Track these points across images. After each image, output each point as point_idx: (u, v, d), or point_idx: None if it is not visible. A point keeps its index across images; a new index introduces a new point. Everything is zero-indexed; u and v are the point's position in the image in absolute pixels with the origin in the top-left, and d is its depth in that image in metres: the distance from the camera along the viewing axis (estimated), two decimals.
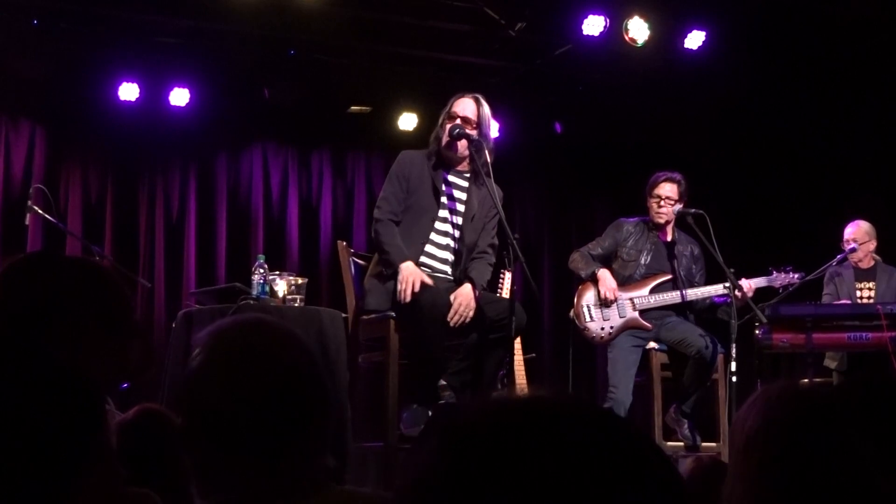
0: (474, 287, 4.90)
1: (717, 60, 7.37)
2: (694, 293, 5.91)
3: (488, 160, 4.91)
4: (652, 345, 5.87)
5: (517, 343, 6.07)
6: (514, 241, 4.76)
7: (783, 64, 7.56)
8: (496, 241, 5.19)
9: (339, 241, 5.68)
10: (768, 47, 7.38)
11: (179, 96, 7.64)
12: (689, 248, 6.06)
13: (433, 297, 4.75)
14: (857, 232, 6.73)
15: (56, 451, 1.18)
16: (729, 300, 5.65)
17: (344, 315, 5.12)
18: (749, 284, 5.81)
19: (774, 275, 5.97)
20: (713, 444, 5.80)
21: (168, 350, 5.03)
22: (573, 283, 6.29)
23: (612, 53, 7.27)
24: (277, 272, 5.17)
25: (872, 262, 6.81)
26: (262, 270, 4.96)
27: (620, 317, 5.88)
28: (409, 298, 4.71)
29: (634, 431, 0.86)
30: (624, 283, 5.95)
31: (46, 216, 6.06)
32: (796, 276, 6.01)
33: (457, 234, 5.07)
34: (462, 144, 5.01)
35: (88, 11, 6.95)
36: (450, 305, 4.78)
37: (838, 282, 6.77)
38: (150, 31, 7.27)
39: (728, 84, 7.65)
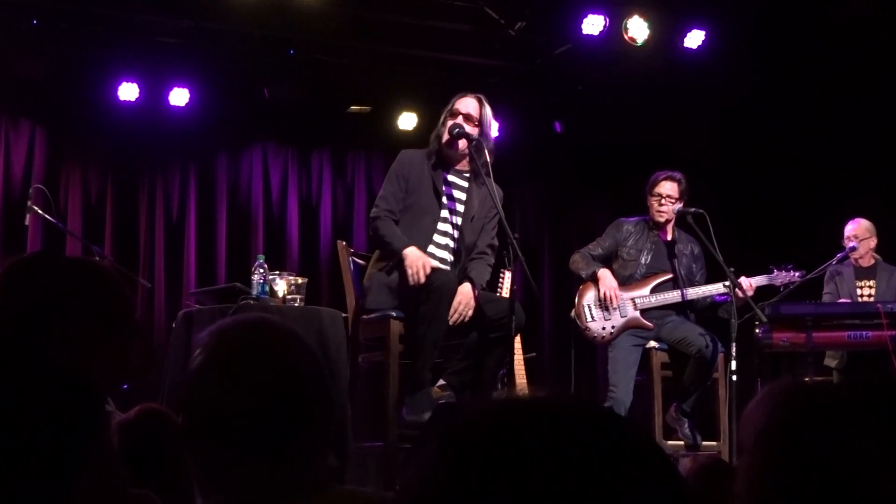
0: (474, 287, 4.90)
1: (716, 60, 7.37)
2: (694, 292, 5.91)
3: (488, 160, 4.90)
4: (652, 344, 5.87)
5: (517, 343, 6.07)
6: (514, 241, 4.75)
7: (783, 63, 7.56)
8: (496, 242, 5.19)
9: (339, 241, 5.68)
10: (768, 47, 7.38)
11: (179, 96, 7.64)
12: (690, 247, 6.06)
13: (443, 277, 4.74)
14: (859, 229, 6.73)
15: (56, 451, 1.18)
16: (729, 299, 5.65)
17: (344, 315, 5.12)
18: (750, 283, 5.81)
19: (775, 273, 5.97)
20: (713, 444, 5.80)
21: (168, 350, 5.03)
22: (573, 283, 6.29)
23: (612, 53, 7.27)
24: (277, 272, 5.18)
25: (873, 261, 6.81)
26: (262, 270, 4.96)
27: (622, 316, 5.88)
28: (423, 280, 4.68)
29: (635, 431, 0.85)
30: (625, 282, 5.95)
31: (46, 216, 6.06)
32: (797, 274, 6.01)
33: (456, 234, 5.07)
34: (462, 143, 5.01)
35: (88, 11, 6.95)
36: (457, 287, 4.78)
37: (839, 280, 6.77)
38: (149, 31, 7.27)
39: (728, 83, 7.65)
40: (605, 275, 5.91)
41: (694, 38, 7.31)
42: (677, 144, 7.69)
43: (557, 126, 8.48)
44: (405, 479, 0.86)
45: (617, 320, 5.88)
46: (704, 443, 5.80)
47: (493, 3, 7.02)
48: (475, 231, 5.08)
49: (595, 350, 7.13)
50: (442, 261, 5.03)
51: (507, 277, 5.89)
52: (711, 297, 5.92)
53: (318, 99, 7.93)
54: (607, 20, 7.07)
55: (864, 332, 5.93)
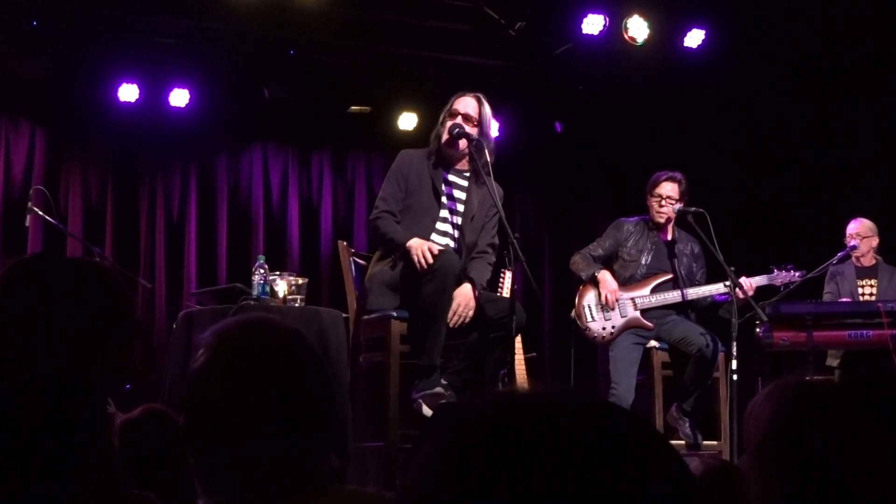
0: (474, 287, 4.89)
1: (716, 59, 7.37)
2: (695, 292, 5.91)
3: (488, 160, 4.90)
4: (653, 343, 5.87)
5: (518, 342, 6.07)
6: (515, 241, 4.75)
7: (783, 62, 7.56)
8: (496, 241, 5.19)
9: (339, 241, 5.68)
10: (768, 46, 7.38)
11: (179, 97, 7.64)
12: (690, 247, 6.06)
13: (447, 258, 4.73)
14: (861, 228, 6.73)
15: (55, 452, 1.18)
16: (730, 298, 5.65)
17: (345, 315, 5.12)
18: (750, 283, 5.81)
19: (775, 273, 5.97)
20: (714, 443, 5.80)
21: (168, 350, 5.03)
22: (573, 283, 6.29)
23: (612, 52, 7.27)
24: (278, 272, 5.18)
25: (874, 261, 6.81)
26: (262, 271, 4.96)
27: (622, 316, 5.88)
28: (430, 260, 4.67)
29: (641, 425, 0.85)
30: (625, 283, 5.95)
31: (47, 217, 6.06)
32: (797, 274, 6.01)
33: (456, 233, 5.07)
34: (462, 143, 5.01)
35: (88, 12, 6.95)
36: (458, 264, 4.78)
37: (839, 280, 6.77)
38: (149, 32, 7.27)
39: (728, 83, 7.65)
40: (605, 276, 5.91)
41: (694, 38, 7.31)
42: (677, 144, 7.68)
43: (558, 126, 8.48)
44: (405, 479, 0.86)
45: (617, 320, 5.88)
46: (705, 442, 5.80)
47: (494, 3, 7.01)
48: (475, 230, 5.08)
49: (595, 350, 7.13)
50: None
51: (508, 277, 5.89)
52: (712, 296, 5.92)
53: (318, 99, 7.93)
54: (607, 20, 7.06)
55: (864, 332, 5.94)
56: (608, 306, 5.87)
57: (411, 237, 4.81)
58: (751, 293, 5.77)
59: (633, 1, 7.09)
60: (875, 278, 6.76)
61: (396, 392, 4.84)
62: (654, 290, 5.94)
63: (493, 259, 5.18)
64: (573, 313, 6.01)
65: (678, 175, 5.99)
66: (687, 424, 5.78)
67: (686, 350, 5.73)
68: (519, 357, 6.24)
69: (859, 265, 6.80)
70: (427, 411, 4.74)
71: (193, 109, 7.74)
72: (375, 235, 5.05)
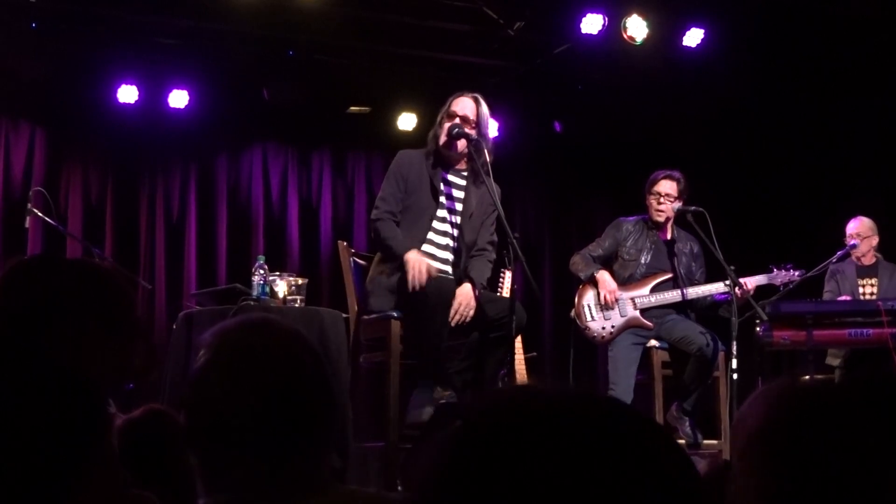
0: (474, 286, 4.90)
1: (716, 58, 7.37)
2: (694, 292, 5.91)
3: (488, 159, 4.90)
4: (653, 343, 5.87)
5: (518, 342, 6.07)
6: (515, 241, 4.75)
7: (782, 62, 7.56)
8: (495, 238, 5.19)
9: (339, 242, 5.68)
10: (768, 46, 7.38)
11: (178, 98, 7.64)
12: (689, 246, 6.06)
13: (440, 284, 4.75)
14: (861, 227, 6.73)
15: (55, 452, 1.18)
16: (730, 297, 5.65)
17: (345, 315, 5.12)
18: (750, 282, 5.81)
19: (775, 272, 5.97)
20: (714, 442, 5.80)
21: (169, 351, 5.03)
22: (573, 283, 6.28)
23: (611, 52, 7.27)
24: (278, 273, 5.18)
25: (874, 259, 6.81)
26: (262, 271, 4.96)
27: (621, 316, 5.88)
28: (423, 283, 4.69)
29: (646, 423, 0.85)
30: (625, 282, 5.95)
31: (46, 218, 6.06)
32: (797, 273, 6.00)
33: (456, 233, 5.07)
34: (461, 143, 5.01)
35: (88, 12, 6.95)
36: (454, 294, 4.78)
37: (840, 279, 6.77)
38: (149, 32, 7.27)
39: (728, 82, 7.65)
40: (603, 277, 5.91)
41: (693, 37, 7.31)
42: (677, 144, 7.68)
43: (557, 126, 8.48)
44: (416, 479, 0.86)
45: (617, 320, 5.88)
46: (705, 441, 5.80)
47: (493, 3, 7.02)
48: (474, 229, 5.08)
49: (595, 350, 7.12)
50: (443, 260, 5.03)
51: (508, 277, 5.89)
52: (712, 296, 5.92)
53: (317, 99, 7.93)
54: (606, 19, 7.07)
55: (864, 330, 5.94)
56: (607, 306, 5.87)
57: (410, 247, 4.81)
58: (751, 293, 5.77)
59: (632, 0, 7.09)
60: (875, 277, 6.77)
61: (396, 392, 4.84)
62: (654, 290, 5.94)
63: (493, 256, 5.19)
64: (573, 313, 6.01)
65: (676, 174, 5.99)
66: (687, 424, 5.78)
67: (686, 349, 5.73)
68: (519, 357, 6.25)
69: (859, 264, 6.80)
70: (427, 413, 4.74)
71: (193, 110, 7.74)
72: (375, 238, 5.05)
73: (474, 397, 4.90)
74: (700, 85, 7.71)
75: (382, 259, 5.03)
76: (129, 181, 7.94)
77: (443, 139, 5.00)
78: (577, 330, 5.99)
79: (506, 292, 5.73)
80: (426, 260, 4.78)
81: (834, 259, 6.61)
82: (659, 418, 5.76)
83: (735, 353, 5.37)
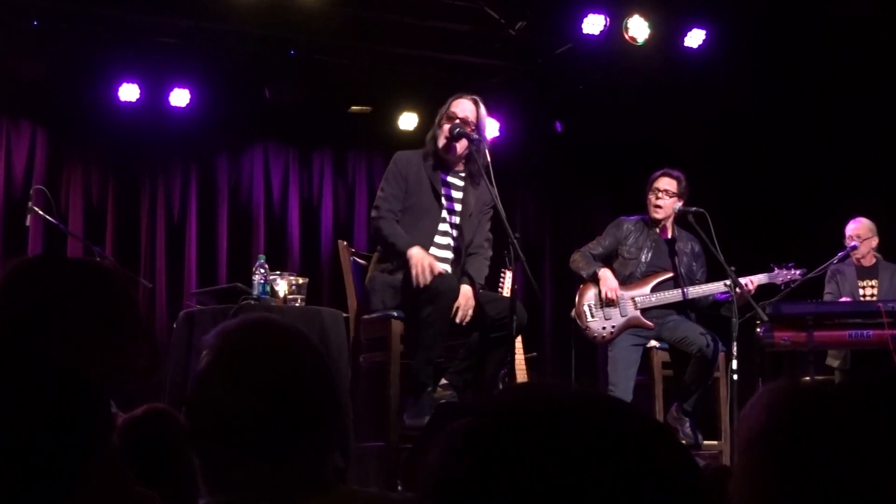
0: (473, 286, 4.90)
1: (717, 59, 7.37)
2: (695, 291, 5.91)
3: (488, 160, 4.90)
4: (653, 343, 5.87)
5: (518, 342, 6.07)
6: (515, 241, 4.75)
7: (783, 62, 7.56)
8: (490, 235, 5.20)
9: (339, 241, 5.68)
10: (768, 46, 7.38)
11: (180, 97, 7.64)
12: (690, 246, 6.06)
13: (446, 283, 4.74)
14: (861, 228, 6.73)
15: (55, 452, 1.18)
16: (730, 297, 5.65)
17: (345, 315, 5.12)
18: (751, 281, 5.81)
19: (776, 271, 5.96)
20: (715, 443, 5.81)
21: (169, 350, 5.04)
22: (574, 283, 6.28)
23: (613, 52, 7.27)
24: (278, 272, 5.18)
25: (874, 260, 6.81)
26: (262, 270, 4.96)
27: (622, 316, 5.88)
28: (427, 281, 4.68)
29: (648, 422, 0.85)
30: (625, 281, 5.95)
31: (47, 217, 6.07)
32: (798, 272, 6.00)
33: (455, 233, 5.07)
34: (461, 145, 5.01)
35: (88, 12, 6.95)
36: (458, 292, 4.78)
37: (840, 280, 6.77)
38: (150, 32, 7.27)
39: (728, 83, 7.65)
40: (605, 275, 5.91)
41: (694, 38, 7.31)
42: (677, 144, 7.68)
43: (558, 126, 8.48)
44: (418, 479, 0.86)
45: (617, 320, 5.88)
46: (706, 442, 5.80)
47: (494, 3, 7.02)
48: (473, 228, 5.09)
49: (596, 349, 7.12)
50: (443, 260, 5.03)
51: (508, 277, 5.89)
52: (713, 295, 5.92)
53: (318, 99, 7.93)
54: (608, 20, 7.06)
55: (865, 332, 5.93)
56: (609, 303, 5.87)
57: (413, 244, 4.81)
58: (752, 292, 5.77)
59: (634, 1, 7.09)
60: (876, 278, 6.76)
61: (397, 392, 4.84)
62: (655, 289, 5.94)
63: (489, 254, 5.19)
64: (573, 313, 6.01)
65: (676, 172, 6.00)
66: (687, 424, 5.78)
67: (686, 350, 5.73)
68: (519, 357, 6.24)
69: (859, 265, 6.80)
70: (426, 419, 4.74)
71: (194, 109, 7.74)
72: (377, 236, 5.05)
73: (476, 397, 4.91)
74: (701, 85, 7.71)
75: (382, 258, 5.03)
76: (129, 180, 7.95)
77: (443, 140, 5.00)
78: (578, 330, 5.99)
79: (506, 292, 5.73)
80: (430, 257, 4.78)
81: (835, 260, 6.61)
82: (659, 419, 5.76)
83: (735, 353, 5.37)
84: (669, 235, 6.06)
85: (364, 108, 8.28)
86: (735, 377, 5.36)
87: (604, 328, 5.89)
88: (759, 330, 5.96)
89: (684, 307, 5.95)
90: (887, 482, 1.66)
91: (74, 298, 1.89)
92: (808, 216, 7.86)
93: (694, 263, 6.06)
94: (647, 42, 7.12)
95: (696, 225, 5.79)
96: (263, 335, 1.66)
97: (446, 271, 4.91)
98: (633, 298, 5.90)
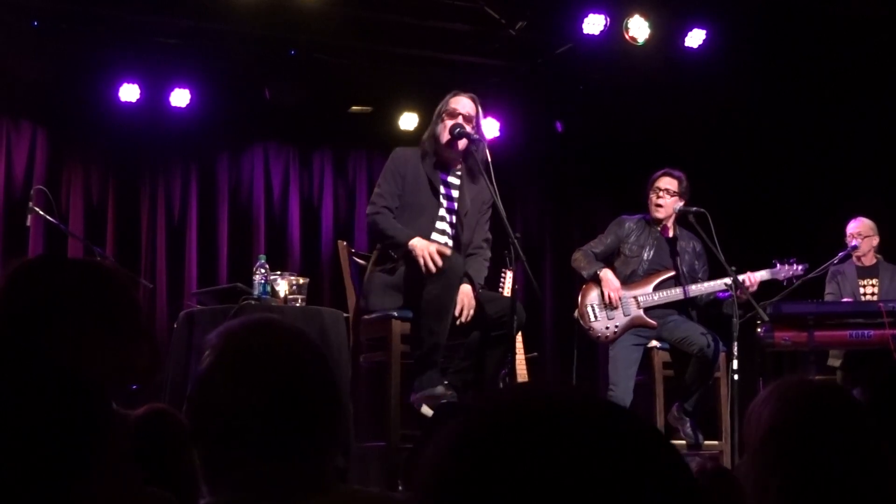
0: (473, 286, 4.90)
1: (717, 59, 7.37)
2: (697, 289, 5.91)
3: (488, 159, 4.90)
4: (654, 343, 5.87)
5: (519, 342, 6.06)
6: (516, 241, 4.75)
7: (784, 62, 7.56)
8: (489, 235, 5.20)
9: (340, 241, 5.68)
10: (768, 46, 7.38)
11: (180, 97, 7.64)
12: (692, 245, 6.06)
13: (451, 262, 4.74)
14: (861, 226, 6.73)
15: (55, 453, 1.17)
16: (731, 296, 5.65)
17: (345, 315, 5.12)
18: (753, 278, 5.81)
19: (778, 267, 5.95)
20: (715, 443, 5.80)
21: (170, 350, 5.03)
22: (575, 283, 6.28)
23: (613, 52, 7.27)
24: (279, 272, 5.18)
25: (875, 260, 6.81)
26: (263, 270, 4.96)
27: (625, 315, 5.88)
28: (439, 264, 4.67)
29: (639, 425, 0.85)
30: (627, 280, 5.95)
31: (48, 217, 6.07)
32: (800, 267, 5.99)
33: (454, 232, 5.07)
34: (462, 143, 5.00)
35: (88, 12, 6.95)
36: (463, 269, 4.77)
37: (840, 280, 6.77)
38: (150, 32, 7.27)
39: (728, 83, 7.65)
40: (607, 275, 5.91)
41: (695, 38, 7.31)
42: (677, 144, 7.68)
43: (558, 126, 8.48)
44: (418, 480, 0.86)
45: (620, 319, 5.88)
46: (706, 442, 5.80)
47: (494, 3, 7.02)
48: (471, 227, 5.08)
49: (597, 350, 7.12)
50: None
51: (509, 277, 5.89)
52: (714, 293, 5.92)
53: (318, 99, 7.93)
54: (608, 20, 7.06)
55: (865, 331, 5.93)
56: (611, 305, 5.87)
57: (413, 235, 4.80)
58: (754, 288, 5.77)
59: (634, 1, 7.09)
60: (876, 278, 6.76)
61: (397, 392, 4.84)
62: (657, 288, 5.94)
63: (489, 254, 5.18)
64: (576, 313, 6.00)
65: (677, 172, 6.01)
66: (688, 424, 5.78)
67: (687, 350, 5.73)
68: (520, 357, 6.24)
69: (860, 265, 6.80)
70: (427, 411, 4.74)
71: (194, 109, 7.74)
72: (374, 231, 5.04)
73: (473, 397, 4.90)
74: (701, 85, 7.71)
75: (380, 258, 5.03)
76: (130, 180, 7.95)
77: (445, 138, 4.99)
78: (581, 330, 5.98)
79: (507, 292, 5.73)
80: (431, 243, 4.78)
81: (835, 260, 6.60)
82: (660, 419, 5.77)
83: (736, 353, 5.37)
84: (671, 234, 6.06)
85: (364, 108, 8.28)
86: (736, 377, 5.36)
87: (607, 328, 5.89)
88: (759, 330, 5.95)
89: (686, 306, 5.95)
90: (893, 480, 1.66)
91: (75, 299, 1.89)
92: (808, 216, 7.86)
93: (696, 262, 6.06)
94: (647, 42, 7.12)
95: (697, 225, 5.79)
96: (265, 335, 1.66)
97: (451, 250, 4.89)
98: (635, 297, 5.90)
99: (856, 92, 7.60)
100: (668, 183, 5.96)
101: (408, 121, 8.21)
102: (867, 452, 1.65)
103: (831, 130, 7.88)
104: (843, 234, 6.75)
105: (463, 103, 5.03)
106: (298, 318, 4.71)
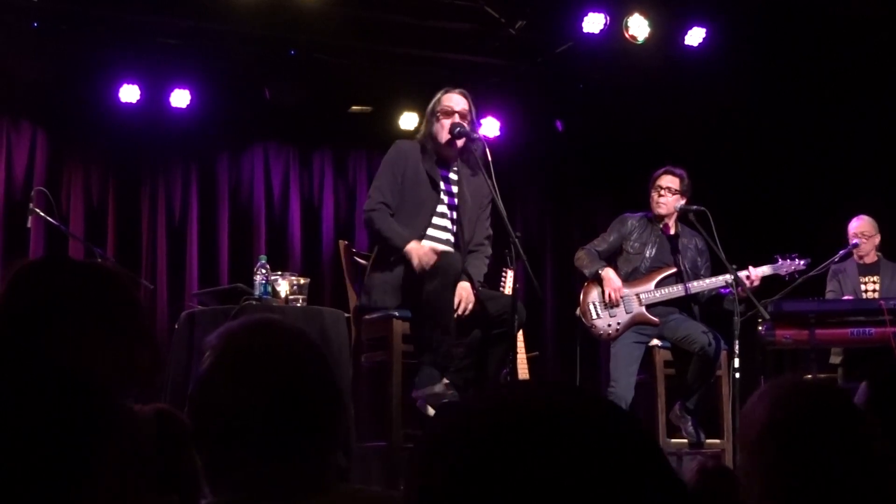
0: (473, 284, 4.90)
1: (717, 57, 7.37)
2: (699, 285, 5.91)
3: (489, 158, 4.90)
4: (655, 342, 5.87)
5: (520, 341, 6.07)
6: (517, 240, 4.75)
7: (784, 61, 7.56)
8: (490, 232, 5.20)
9: (340, 241, 5.68)
10: (769, 45, 7.38)
11: (180, 98, 7.64)
12: (694, 242, 6.07)
13: (448, 259, 4.74)
14: (864, 225, 6.73)
15: (56, 453, 1.17)
16: (732, 293, 5.66)
17: (346, 315, 5.12)
18: (755, 273, 5.81)
19: (780, 262, 5.95)
20: (717, 441, 5.81)
21: (171, 351, 5.03)
22: (575, 282, 6.29)
23: (613, 51, 7.27)
24: (279, 272, 5.18)
25: (876, 258, 6.81)
26: (264, 271, 4.96)
27: (627, 313, 5.88)
28: (431, 263, 4.67)
29: (627, 425, 0.85)
30: (629, 277, 5.95)
31: (48, 218, 6.07)
32: (802, 262, 5.98)
33: (454, 227, 5.08)
34: (460, 141, 5.00)
35: (88, 13, 6.95)
36: (460, 266, 4.77)
37: (842, 278, 6.77)
38: (150, 32, 7.27)
39: (728, 82, 7.65)
40: (608, 274, 5.91)
41: (695, 36, 7.30)
42: (678, 142, 7.68)
43: (558, 124, 8.47)
44: (406, 481, 0.86)
45: (623, 317, 5.88)
46: (708, 440, 5.80)
47: (494, 2, 7.02)
48: (471, 223, 5.08)
49: (598, 348, 7.13)
50: None
51: (510, 276, 5.89)
52: (716, 289, 5.92)
53: (319, 99, 7.93)
54: (608, 18, 7.06)
55: (866, 329, 5.93)
56: (612, 303, 5.87)
57: (409, 239, 4.80)
58: (757, 283, 5.78)
59: None
60: (877, 275, 6.77)
61: (399, 392, 4.84)
62: (659, 285, 5.94)
63: (490, 251, 5.18)
64: (578, 311, 6.01)
65: (679, 170, 6.02)
66: (690, 423, 5.79)
67: (688, 348, 5.74)
68: (521, 356, 6.25)
69: (861, 262, 6.80)
70: (430, 411, 4.74)
71: (194, 110, 7.74)
72: (370, 229, 5.04)
73: (462, 398, 4.90)
74: (701, 84, 7.71)
75: (380, 257, 5.03)
76: (130, 181, 7.94)
77: (444, 137, 4.99)
78: (583, 328, 5.99)
79: (508, 291, 5.73)
80: (427, 247, 4.78)
81: (836, 258, 6.60)
82: (661, 417, 5.77)
83: (737, 352, 5.37)
84: (673, 232, 6.07)
85: (364, 108, 8.28)
86: (737, 375, 5.36)
87: (609, 325, 5.89)
88: (760, 328, 5.95)
89: (688, 303, 5.96)
90: (890, 478, 1.66)
91: (77, 299, 1.89)
92: (808, 215, 7.86)
93: (698, 259, 6.06)
94: (647, 40, 7.12)
95: (697, 223, 5.80)
96: (265, 336, 1.66)
97: (447, 248, 4.89)
98: (637, 295, 5.90)
99: (856, 92, 7.60)
100: (669, 181, 5.97)
101: (408, 120, 8.21)
102: (860, 451, 1.65)
103: (831, 130, 7.87)
104: (844, 233, 6.76)
105: (456, 100, 5.03)
106: (299, 318, 4.71)
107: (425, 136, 5.08)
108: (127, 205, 7.89)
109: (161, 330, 7.51)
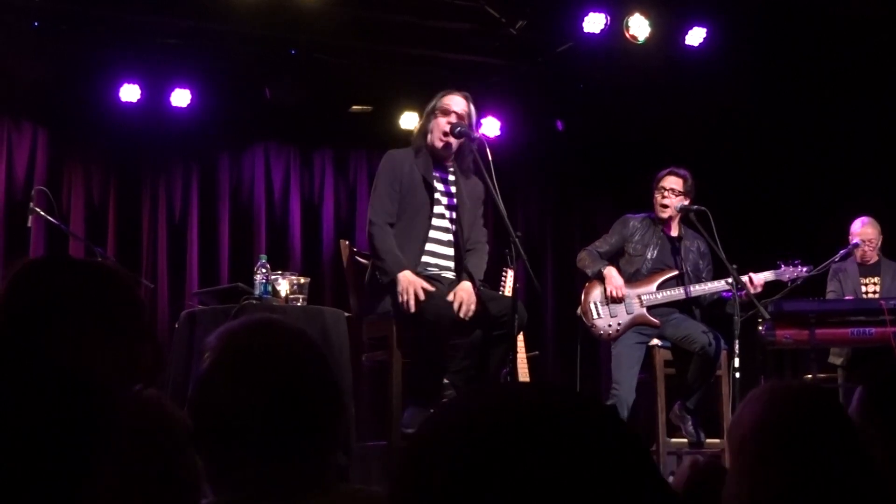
0: (474, 283, 4.89)
1: (718, 57, 7.37)
2: (700, 289, 5.91)
3: (489, 157, 4.89)
4: (656, 342, 5.87)
5: (520, 341, 6.07)
6: (517, 240, 4.75)
7: (784, 61, 7.56)
8: (485, 230, 5.20)
9: (341, 241, 5.68)
10: (769, 45, 7.38)
11: (181, 97, 7.64)
12: (696, 244, 6.07)
13: (437, 309, 4.72)
14: (871, 232, 6.74)
15: (56, 453, 1.17)
16: (733, 296, 5.66)
17: (347, 314, 5.12)
18: (757, 279, 5.81)
19: (782, 268, 5.96)
20: (717, 441, 5.81)
21: (171, 350, 5.04)
22: (576, 282, 6.30)
23: (614, 51, 7.27)
24: (280, 272, 5.18)
25: (876, 258, 6.82)
26: (264, 270, 4.96)
27: (628, 313, 5.88)
28: (413, 309, 4.68)
29: (610, 425, 0.85)
30: (630, 278, 5.95)
31: (49, 218, 6.07)
32: (804, 269, 5.99)
33: (453, 228, 5.08)
34: (457, 141, 5.00)
35: (89, 13, 6.95)
36: (452, 312, 4.76)
37: (842, 278, 6.77)
38: (150, 32, 7.27)
39: (729, 81, 7.65)
40: (610, 273, 5.91)
41: (695, 36, 7.31)
42: (679, 143, 7.68)
43: (559, 124, 8.48)
44: (396, 479, 0.86)
45: (623, 317, 5.88)
46: (708, 440, 5.80)
47: (494, 2, 7.02)
48: (468, 222, 5.08)
49: (599, 348, 7.13)
50: (445, 257, 5.04)
51: (510, 276, 5.89)
52: (718, 293, 5.92)
53: (319, 99, 7.93)
54: (608, 18, 7.06)
55: (867, 329, 5.94)
56: (614, 302, 5.87)
57: (403, 267, 4.78)
58: (759, 289, 5.78)
59: None
60: (878, 276, 6.77)
61: (399, 391, 4.84)
62: (660, 287, 5.94)
63: (486, 248, 5.17)
64: (579, 310, 6.01)
65: (682, 171, 6.02)
66: (690, 422, 5.79)
67: (689, 348, 5.74)
68: (521, 356, 6.25)
69: (862, 263, 6.80)
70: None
71: (195, 109, 7.74)
72: (370, 245, 5.04)
73: (450, 400, 4.92)
74: (701, 84, 7.71)
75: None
76: (131, 181, 7.95)
77: (441, 136, 4.98)
78: (584, 327, 5.99)
79: (508, 291, 5.73)
80: (418, 281, 4.75)
81: (836, 258, 6.61)
82: (661, 417, 5.78)
83: (738, 352, 5.38)
84: (675, 233, 6.07)
85: (365, 107, 8.28)
86: (737, 375, 5.36)
87: (609, 325, 5.89)
88: (761, 328, 5.96)
89: (688, 305, 5.96)
90: (886, 480, 1.66)
91: (77, 299, 1.89)
92: (808, 215, 7.86)
93: (700, 261, 6.06)
94: (647, 40, 7.12)
95: (698, 223, 5.80)
96: (265, 336, 1.66)
97: (439, 282, 4.88)
98: (638, 296, 5.90)
99: (856, 92, 7.60)
100: (673, 182, 5.96)
101: (408, 120, 8.20)
102: (849, 454, 1.65)
103: (831, 130, 7.87)
104: (844, 233, 6.76)
105: (456, 101, 5.02)
106: (300, 318, 4.71)
107: (420, 135, 5.07)
108: (127, 204, 7.89)
109: (161, 329, 7.52)
